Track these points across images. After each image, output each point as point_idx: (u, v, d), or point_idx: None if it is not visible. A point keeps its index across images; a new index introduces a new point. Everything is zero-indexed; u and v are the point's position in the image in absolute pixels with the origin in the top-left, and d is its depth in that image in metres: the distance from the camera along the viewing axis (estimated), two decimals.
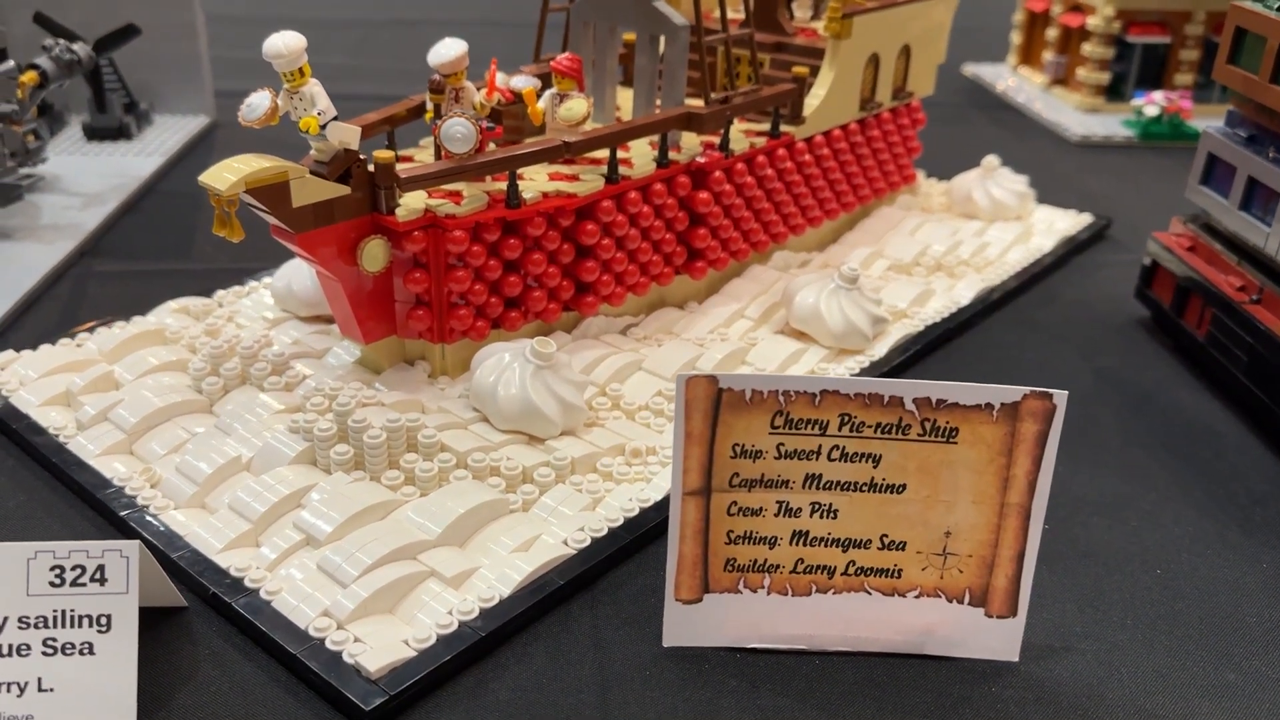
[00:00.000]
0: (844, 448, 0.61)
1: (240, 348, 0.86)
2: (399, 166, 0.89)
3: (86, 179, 1.31)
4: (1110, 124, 1.72)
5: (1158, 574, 0.73)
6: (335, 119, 0.76)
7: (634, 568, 0.72)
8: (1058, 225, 1.27)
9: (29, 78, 1.16)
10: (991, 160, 1.28)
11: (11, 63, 1.20)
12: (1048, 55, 1.86)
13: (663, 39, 0.95)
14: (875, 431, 0.61)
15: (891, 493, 0.62)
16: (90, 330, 0.94)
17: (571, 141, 0.85)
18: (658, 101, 0.97)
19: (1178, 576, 0.73)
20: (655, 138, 0.94)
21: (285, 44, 0.73)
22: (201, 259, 1.16)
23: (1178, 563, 0.74)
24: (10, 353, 0.90)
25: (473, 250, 0.83)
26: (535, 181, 0.88)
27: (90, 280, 1.10)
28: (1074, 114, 1.76)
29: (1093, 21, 1.73)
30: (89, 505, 0.75)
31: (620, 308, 0.96)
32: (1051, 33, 1.86)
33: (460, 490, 0.73)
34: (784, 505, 0.62)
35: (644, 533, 0.73)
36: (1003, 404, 0.60)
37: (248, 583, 0.66)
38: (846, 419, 0.60)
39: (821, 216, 1.13)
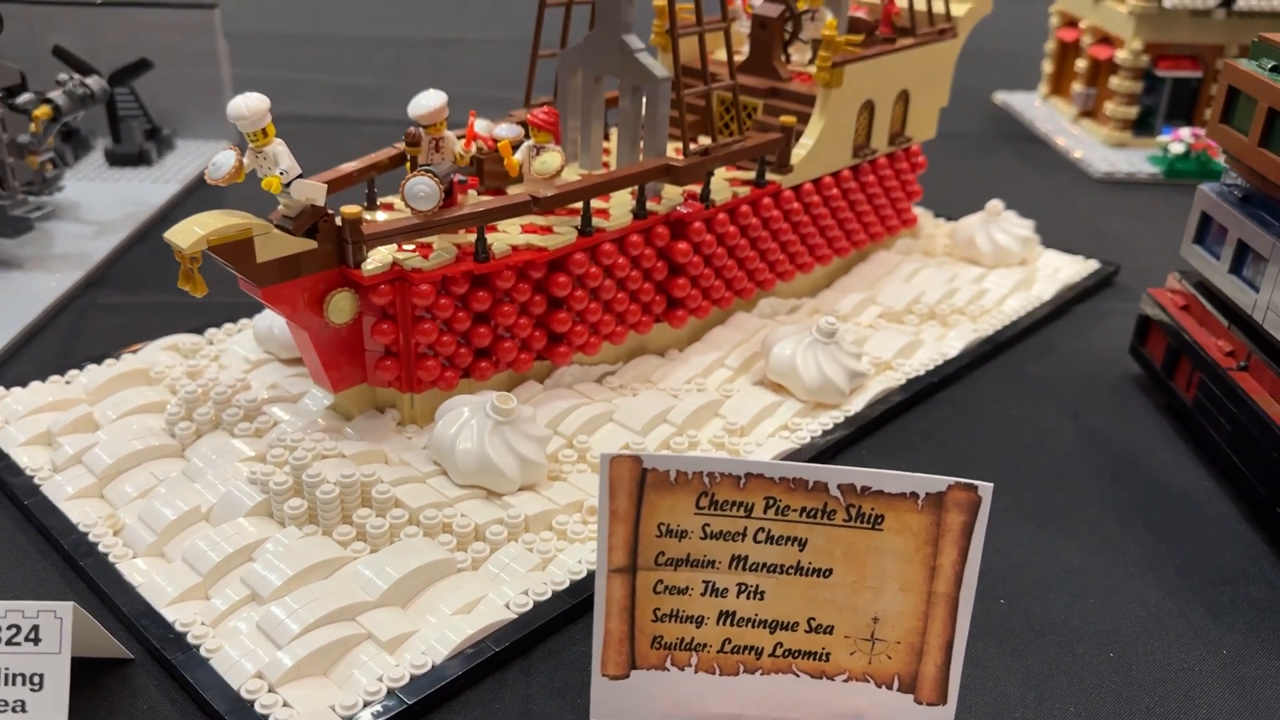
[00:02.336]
0: (770, 530, 0.61)
1: (214, 392, 0.88)
2: (377, 216, 0.91)
3: (102, 206, 1.34)
4: (1136, 159, 1.68)
5: (1110, 657, 0.72)
6: (300, 177, 0.78)
7: (575, 632, 0.72)
8: (1063, 272, 1.25)
9: (42, 111, 1.20)
10: (995, 204, 1.26)
11: (30, 94, 1.23)
12: (1077, 86, 1.83)
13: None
14: (801, 515, 0.60)
15: (818, 576, 0.61)
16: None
17: (540, 197, 0.85)
18: (641, 151, 0.97)
19: (1132, 660, 0.71)
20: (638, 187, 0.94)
21: (248, 106, 0.74)
22: None
23: (1134, 645, 0.73)
24: None
25: (440, 303, 0.84)
26: (507, 234, 0.88)
27: (92, 312, 1.13)
28: (1100, 148, 1.73)
29: (1121, 55, 1.69)
30: (55, 550, 0.77)
31: (596, 356, 0.96)
32: (1081, 64, 1.82)
33: (408, 549, 0.74)
34: (710, 585, 0.62)
35: (588, 597, 0.73)
36: (928, 494, 0.59)
37: (190, 638, 0.68)
38: (772, 502, 0.60)
39: (812, 263, 1.12)
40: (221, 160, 0.76)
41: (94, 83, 1.24)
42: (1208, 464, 0.92)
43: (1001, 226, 1.25)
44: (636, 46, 0.95)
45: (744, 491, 0.60)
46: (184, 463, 0.84)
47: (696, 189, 0.98)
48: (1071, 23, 1.88)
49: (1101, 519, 0.85)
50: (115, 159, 1.47)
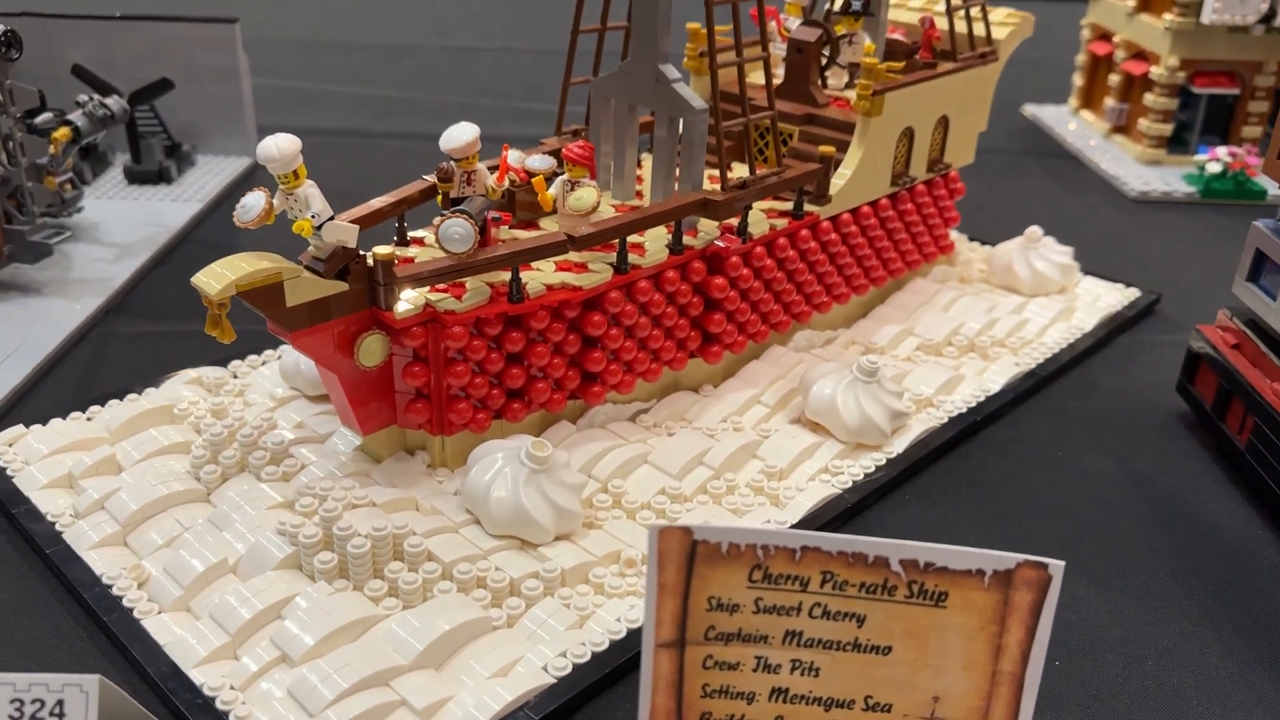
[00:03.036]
0: (826, 606, 0.58)
1: (240, 434, 0.85)
2: (407, 251, 0.88)
3: (121, 227, 1.32)
4: (1171, 178, 1.65)
5: None
6: (331, 219, 0.75)
7: (615, 698, 0.69)
8: (1103, 300, 1.22)
9: (62, 134, 1.18)
10: (1035, 231, 1.23)
11: (49, 114, 1.21)
12: (1109, 102, 1.80)
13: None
14: (859, 591, 0.57)
15: (876, 654, 0.59)
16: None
17: (575, 236, 0.83)
18: (676, 183, 0.95)
19: None
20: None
21: (279, 148, 0.72)
22: None
23: (1193, 711, 0.70)
24: (19, 428, 0.90)
25: (473, 345, 0.81)
26: (541, 271, 0.86)
27: (113, 341, 1.10)
28: (1134, 166, 1.70)
29: (1156, 71, 1.66)
30: (77, 602, 0.75)
31: (630, 394, 0.94)
32: (1114, 78, 1.79)
33: (441, 606, 0.71)
34: (762, 661, 0.59)
35: (628, 660, 0.70)
36: (995, 571, 0.56)
37: (219, 703, 0.65)
38: (829, 577, 0.57)
39: (848, 293, 1.09)
40: (251, 202, 0.74)
41: (114, 103, 1.22)
42: (1263, 511, 0.89)
43: (1041, 254, 1.22)
44: (674, 76, 0.92)
45: (799, 565, 0.57)
46: (210, 508, 0.81)
47: (733, 221, 0.95)
48: (1104, 36, 1.85)
49: (1154, 572, 0.82)
50: (134, 177, 1.45)
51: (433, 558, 0.75)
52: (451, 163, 0.85)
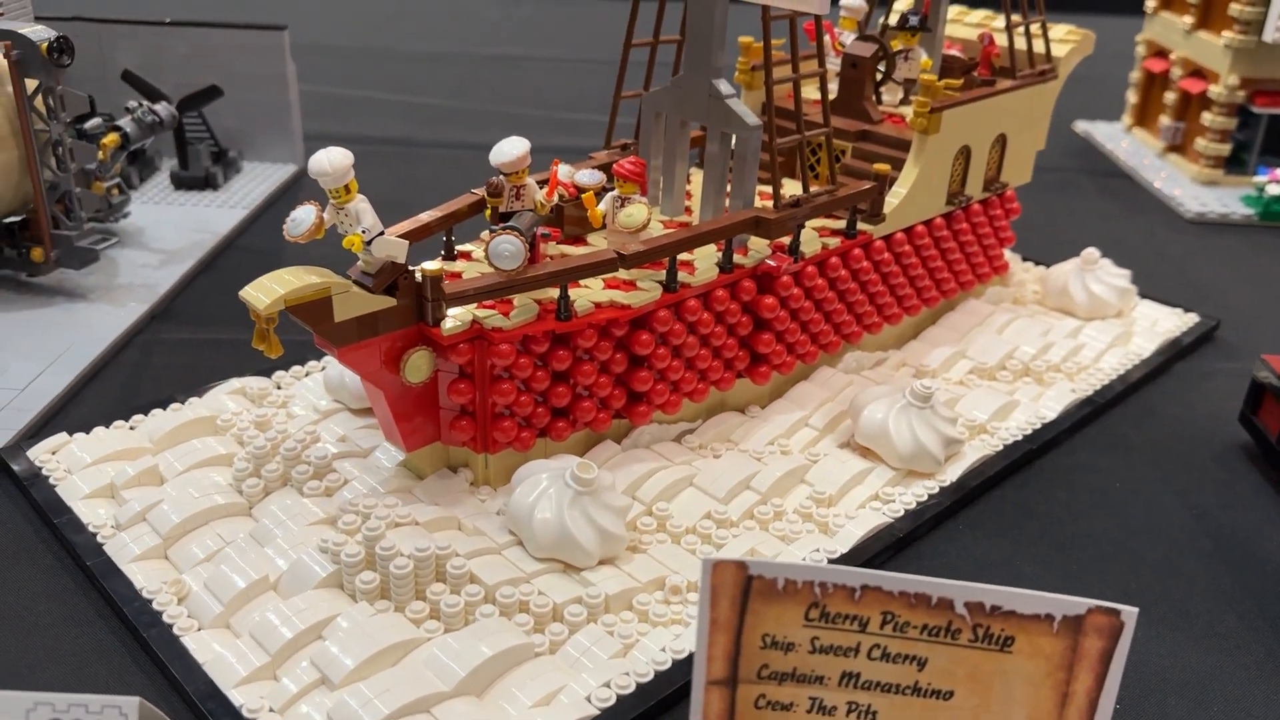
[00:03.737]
0: (886, 648, 0.56)
1: (283, 448, 0.85)
2: (454, 266, 0.87)
3: (167, 233, 1.32)
4: (1229, 199, 1.61)
5: None
6: (381, 234, 0.74)
7: None
8: (1161, 325, 1.18)
9: (110, 139, 1.18)
10: (1092, 253, 1.20)
11: (98, 119, 1.22)
12: (1165, 120, 1.76)
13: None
14: (921, 633, 0.55)
15: (937, 699, 0.56)
16: None
17: (626, 254, 0.81)
18: (727, 200, 0.93)
19: None
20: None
21: (331, 163, 0.71)
22: None
23: None
24: (62, 436, 0.90)
25: (519, 363, 0.80)
26: (590, 290, 0.84)
27: (156, 349, 1.10)
28: (1190, 186, 1.66)
29: (1214, 90, 1.62)
30: (117, 617, 0.74)
31: (676, 414, 0.92)
32: (1169, 96, 1.75)
33: (484, 631, 0.70)
34: (818, 702, 0.57)
35: (674, 691, 0.68)
36: (1064, 616, 0.54)
37: None
38: (889, 618, 0.55)
39: (900, 314, 1.07)
40: (301, 216, 0.73)
41: (163, 109, 1.22)
42: None
43: (1097, 276, 1.19)
44: (727, 93, 0.90)
45: (859, 605, 0.55)
46: (252, 523, 0.80)
47: (785, 240, 0.93)
48: (1160, 53, 1.81)
49: (1219, 612, 0.79)
50: (181, 182, 1.45)
51: (475, 580, 0.74)
52: (501, 178, 0.84)
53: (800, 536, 0.83)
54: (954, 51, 1.13)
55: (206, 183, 1.45)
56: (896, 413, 0.90)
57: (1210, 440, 1.01)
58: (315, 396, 0.96)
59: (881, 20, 1.10)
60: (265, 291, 0.71)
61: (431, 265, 0.76)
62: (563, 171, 0.92)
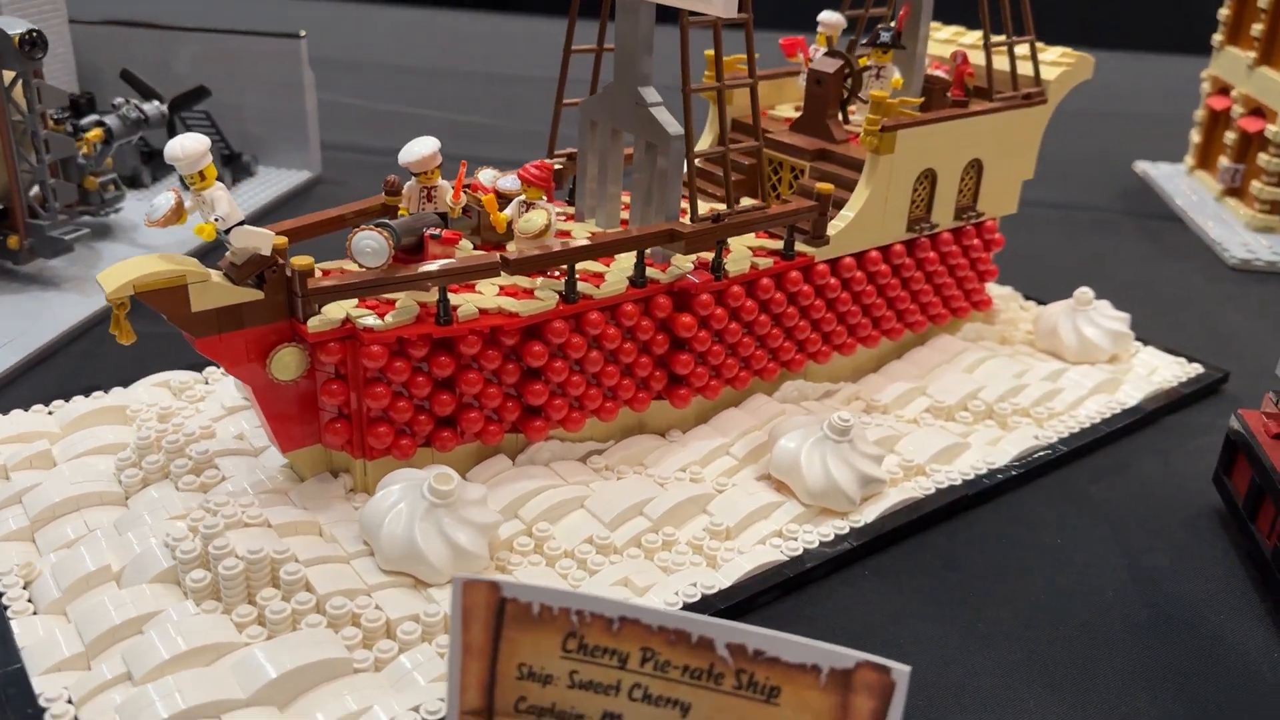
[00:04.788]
0: (647, 688, 0.51)
1: (165, 441, 0.83)
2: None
3: (157, 230, 1.34)
4: None
5: None
6: (241, 224, 0.73)
7: None
8: (1159, 374, 1.09)
9: (94, 134, 1.20)
10: (1084, 293, 1.11)
11: (94, 117, 1.25)
12: (1224, 161, 1.64)
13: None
14: (683, 675, 0.50)
15: None
16: None
17: (510, 259, 0.78)
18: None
19: None
20: (647, 251, 0.86)
21: (183, 148, 0.70)
22: None
23: None
24: None
25: (394, 365, 0.77)
26: (482, 296, 0.81)
27: (111, 340, 1.10)
28: (1242, 231, 1.54)
29: (1271, 129, 1.50)
30: None
31: (582, 433, 0.88)
32: (1229, 136, 1.64)
33: (301, 641, 0.67)
34: None
35: None
36: (832, 669, 0.48)
37: (47, 717, 0.62)
38: (649, 655, 0.50)
39: (853, 344, 1.00)
40: (160, 202, 0.72)
41: (150, 108, 1.25)
42: None
43: (1090, 317, 1.10)
44: (652, 101, 0.86)
45: (618, 638, 0.50)
46: (123, 512, 0.79)
47: (709, 257, 0.88)
48: (1224, 90, 1.69)
49: (1130, 687, 0.71)
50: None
51: (310, 588, 0.71)
52: (413, 178, 0.82)
53: (682, 569, 0.78)
54: (939, 72, 1.07)
55: None
56: (811, 445, 0.84)
57: (1181, 501, 0.91)
58: (234, 394, 0.95)
59: (851, 37, 1.04)
60: (116, 275, 0.70)
61: (302, 259, 0.74)
62: (485, 177, 0.90)
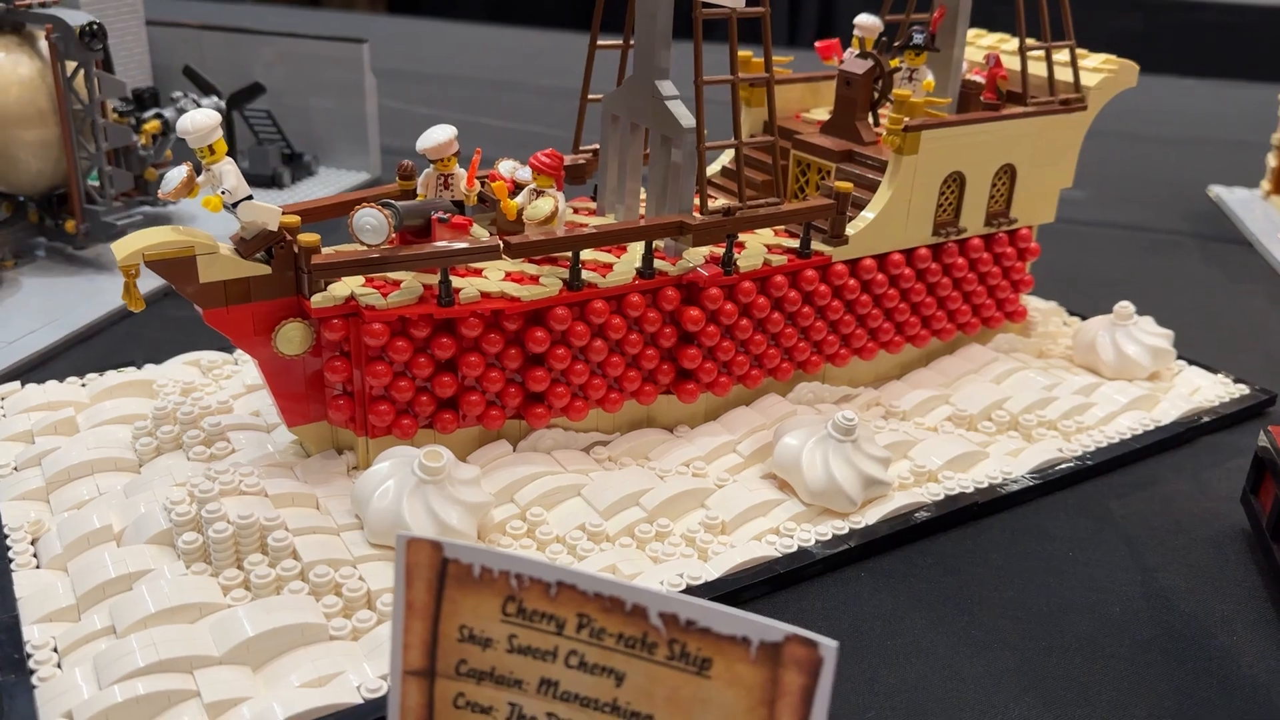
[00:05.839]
0: (583, 656, 0.50)
1: (180, 412, 0.86)
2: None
3: (213, 222, 1.38)
4: None
5: None
6: (249, 198, 0.75)
7: None
8: (1201, 394, 1.05)
9: (151, 125, 1.25)
10: (1125, 307, 1.07)
11: (155, 110, 1.30)
12: None
13: None
14: (617, 643, 0.49)
15: None
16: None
17: (514, 243, 0.79)
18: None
19: None
20: (659, 243, 0.86)
21: (193, 122, 0.72)
22: None
23: None
24: (15, 384, 0.95)
25: (395, 345, 0.78)
26: (488, 281, 0.82)
27: (155, 322, 1.15)
28: None
29: None
30: None
31: (585, 423, 0.88)
32: None
33: (279, 605, 0.68)
34: (517, 709, 0.52)
35: None
36: (762, 642, 0.47)
37: (33, 662, 0.64)
38: (585, 621, 0.50)
39: (874, 348, 0.99)
40: (172, 174, 0.74)
41: (207, 103, 1.29)
42: None
43: (1131, 334, 1.06)
44: (668, 94, 0.87)
45: (555, 603, 0.50)
46: (136, 477, 0.82)
47: (720, 252, 0.88)
48: None
49: (1129, 706, 0.68)
50: (250, 180, 1.51)
51: (296, 556, 0.72)
52: (430, 166, 0.84)
53: (672, 559, 0.77)
54: (978, 77, 1.05)
55: (272, 181, 1.52)
56: (813, 444, 0.83)
57: (1207, 521, 0.88)
58: (257, 375, 0.97)
59: (883, 37, 1.03)
60: (128, 244, 0.73)
61: (308, 236, 0.76)
62: (505, 168, 0.91)
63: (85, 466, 0.82)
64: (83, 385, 0.96)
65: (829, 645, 0.46)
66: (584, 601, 0.50)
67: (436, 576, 0.51)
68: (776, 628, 0.46)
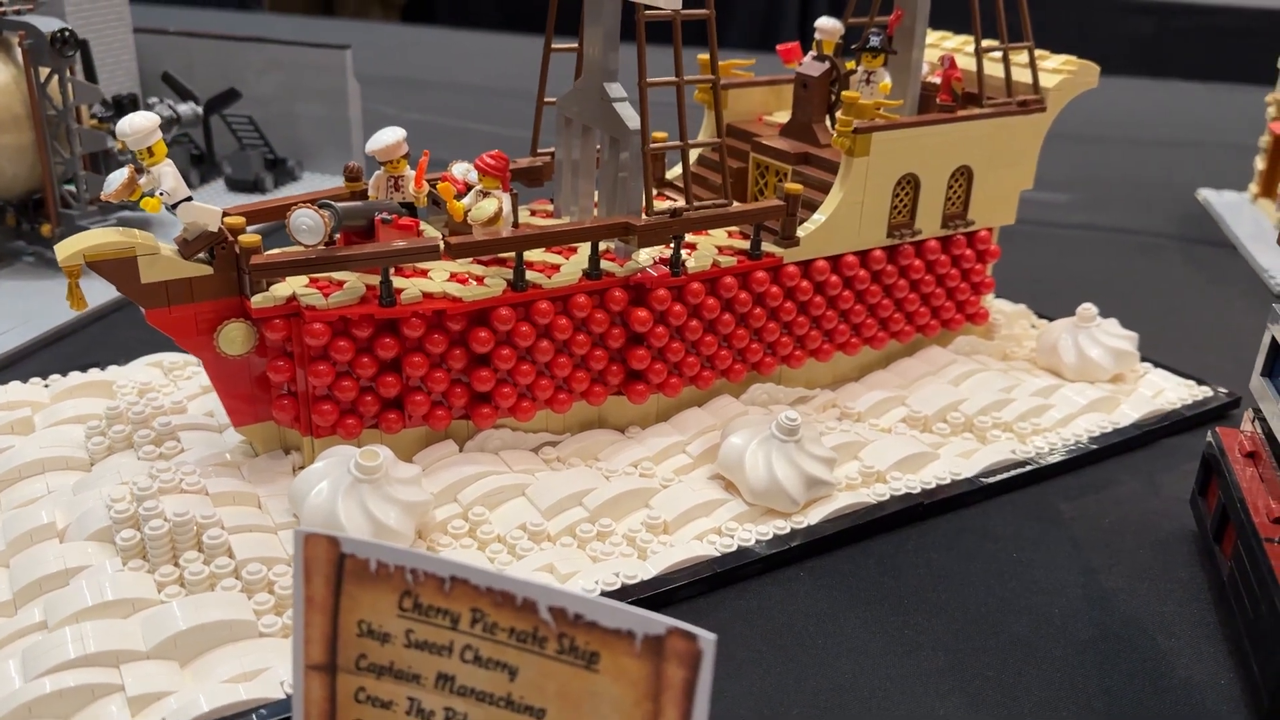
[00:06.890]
0: (478, 650, 0.51)
1: (131, 412, 0.87)
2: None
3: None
4: None
5: None
6: (188, 199, 0.76)
7: None
8: (1164, 396, 1.04)
9: None
10: (1087, 309, 1.07)
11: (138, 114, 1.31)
12: None
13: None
14: (510, 638, 0.50)
15: (530, 715, 0.50)
16: None
17: (454, 243, 0.79)
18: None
19: None
20: (611, 245, 0.87)
21: (131, 125, 0.74)
22: None
23: None
24: None
25: (337, 344, 0.79)
26: (431, 281, 0.83)
27: (127, 325, 1.16)
28: None
29: None
30: None
31: (533, 424, 0.88)
32: None
33: (210, 602, 0.68)
34: (415, 705, 0.52)
35: None
36: (646, 635, 0.47)
37: None
38: (479, 616, 0.50)
39: (829, 350, 0.99)
40: (114, 176, 0.76)
41: (184, 108, 1.31)
42: (1231, 659, 0.72)
43: (1093, 335, 1.06)
44: (615, 96, 0.87)
45: (449, 598, 0.50)
46: (86, 476, 0.83)
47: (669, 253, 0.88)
48: None
49: (1055, 707, 0.67)
50: (233, 185, 1.54)
51: (231, 554, 0.73)
52: (381, 168, 0.84)
53: (610, 559, 0.77)
54: (937, 79, 1.05)
55: (255, 186, 1.53)
56: (757, 444, 0.83)
57: (1157, 524, 0.87)
58: None
59: (843, 40, 1.03)
60: (71, 245, 0.74)
61: (249, 236, 0.77)
62: (457, 170, 0.92)
63: (36, 465, 0.83)
64: (45, 386, 0.97)
65: (708, 638, 0.46)
66: (477, 596, 0.50)
67: (334, 571, 0.52)
68: (658, 621, 0.47)
